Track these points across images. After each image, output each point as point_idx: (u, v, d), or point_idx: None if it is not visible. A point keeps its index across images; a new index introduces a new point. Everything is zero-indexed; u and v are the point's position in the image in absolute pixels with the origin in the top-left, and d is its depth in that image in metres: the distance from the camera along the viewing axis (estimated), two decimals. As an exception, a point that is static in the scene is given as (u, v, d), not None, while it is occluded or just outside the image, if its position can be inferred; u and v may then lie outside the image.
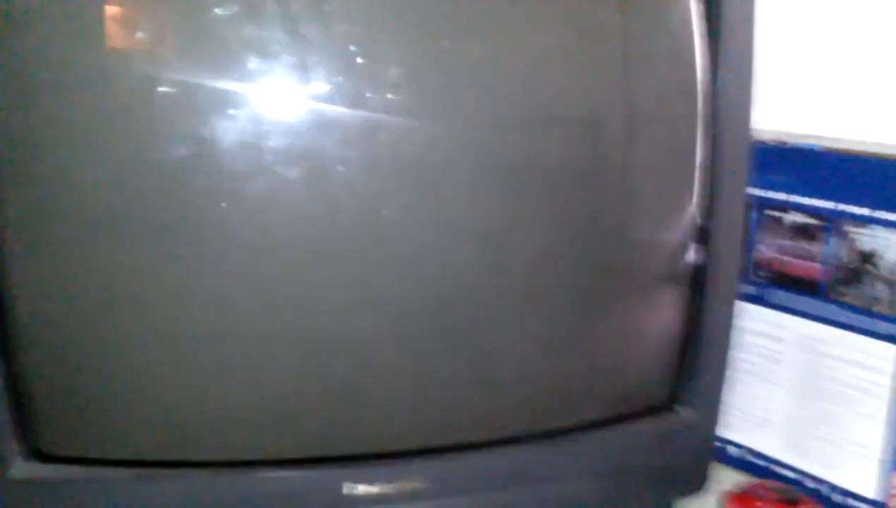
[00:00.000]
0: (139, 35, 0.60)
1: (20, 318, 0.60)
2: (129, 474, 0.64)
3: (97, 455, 0.64)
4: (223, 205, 0.62)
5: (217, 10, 0.59)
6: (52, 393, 0.63)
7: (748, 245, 0.81)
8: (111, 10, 0.59)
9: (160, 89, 0.59)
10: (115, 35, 0.60)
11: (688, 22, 0.69)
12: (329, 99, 0.61)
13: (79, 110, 0.59)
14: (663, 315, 0.74)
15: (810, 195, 0.78)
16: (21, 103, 0.58)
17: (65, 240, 0.61)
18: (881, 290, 0.75)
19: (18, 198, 0.59)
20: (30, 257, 0.61)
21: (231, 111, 0.60)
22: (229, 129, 0.60)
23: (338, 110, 0.62)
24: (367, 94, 0.62)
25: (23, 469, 0.62)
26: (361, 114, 0.62)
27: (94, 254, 0.61)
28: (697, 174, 0.71)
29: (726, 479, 0.83)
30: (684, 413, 0.75)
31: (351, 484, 0.66)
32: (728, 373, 0.75)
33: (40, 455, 0.63)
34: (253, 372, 0.65)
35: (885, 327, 0.75)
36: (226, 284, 0.63)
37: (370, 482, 0.67)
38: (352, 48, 0.62)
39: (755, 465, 0.85)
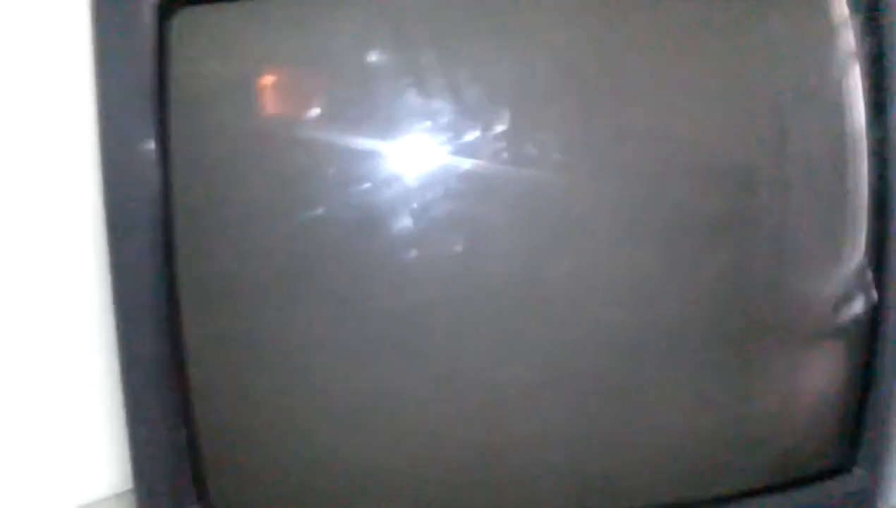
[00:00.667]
0: (304, 105, 0.61)
1: (198, 385, 0.63)
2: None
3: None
4: (386, 269, 0.63)
5: (384, 80, 0.60)
6: (226, 458, 0.65)
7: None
8: (275, 86, 0.62)
9: (327, 158, 0.61)
10: (279, 105, 0.62)
11: (852, 68, 0.67)
12: (490, 163, 0.62)
13: (252, 181, 0.62)
14: (836, 372, 0.71)
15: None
16: (197, 180, 0.61)
17: (233, 305, 0.63)
18: None
19: (195, 267, 0.62)
20: (204, 322, 0.63)
21: (396, 177, 0.61)
22: (394, 195, 0.61)
23: (498, 174, 0.62)
24: (528, 156, 0.62)
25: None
26: (520, 177, 0.63)
27: (263, 318, 0.63)
28: (870, 224, 0.68)
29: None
30: (863, 475, 0.71)
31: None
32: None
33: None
34: (413, 436, 0.66)
35: None
36: (388, 350, 0.64)
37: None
38: (512, 112, 0.62)
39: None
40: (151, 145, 0.59)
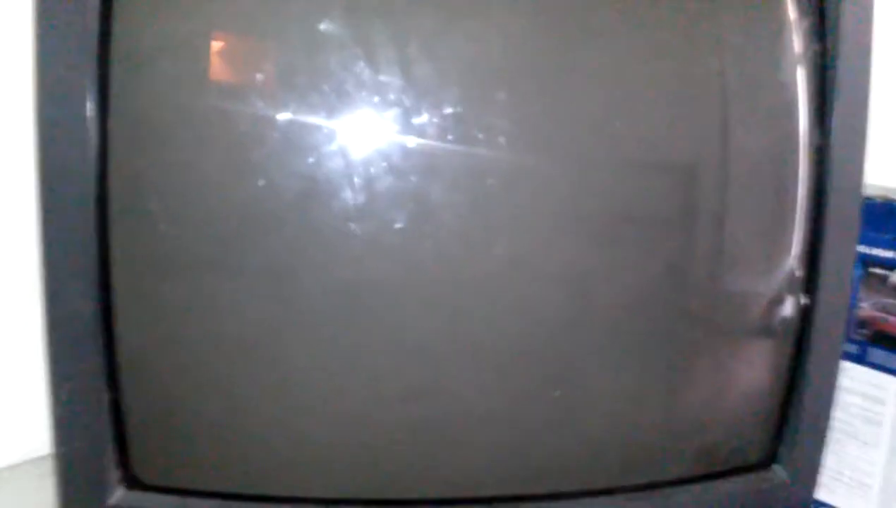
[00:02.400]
0: (251, 73, 0.61)
1: (125, 353, 0.61)
2: (221, 506, 0.64)
3: (190, 486, 0.65)
4: (325, 245, 0.62)
5: (330, 52, 0.60)
6: (152, 425, 0.64)
7: (850, 303, 0.79)
8: (222, 50, 0.60)
9: (267, 132, 0.60)
10: (224, 77, 0.61)
11: (798, 72, 0.68)
12: (436, 142, 0.61)
13: (192, 151, 0.61)
14: (763, 370, 0.72)
15: (896, 249, 0.76)
16: (136, 144, 0.60)
17: (171, 277, 0.62)
18: None
19: (127, 236, 0.60)
20: (136, 293, 0.62)
21: (341, 152, 0.60)
22: (338, 171, 0.60)
23: (443, 153, 0.62)
24: (475, 138, 0.62)
25: (122, 496, 0.63)
26: (465, 158, 0.63)
27: (199, 291, 0.62)
28: (803, 226, 0.70)
29: (819, 542, 0.81)
30: (782, 473, 0.72)
31: (442, 529, 0.66)
32: (822, 432, 0.73)
33: (138, 483, 0.63)
34: (345, 413, 0.65)
35: None
36: (322, 325, 0.64)
37: (461, 527, 0.66)
38: (463, 91, 0.62)
39: (849, 529, 0.82)
40: (90, 104, 0.58)
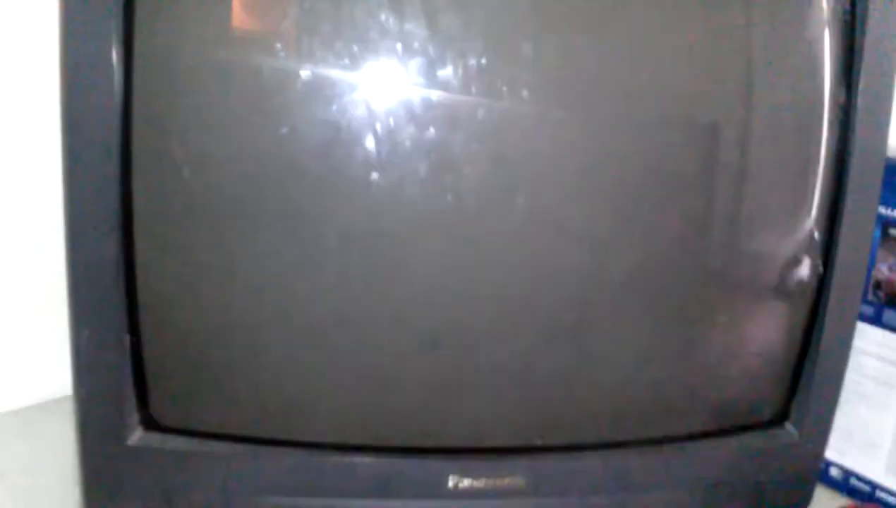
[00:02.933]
0: (273, 24, 0.60)
1: (145, 297, 0.62)
2: (236, 448, 0.66)
3: (207, 428, 0.66)
4: (344, 195, 0.62)
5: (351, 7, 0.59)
6: (171, 369, 0.64)
7: (868, 264, 0.79)
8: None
9: (291, 79, 0.60)
10: (248, 24, 0.60)
11: (825, 33, 0.67)
12: (460, 94, 0.61)
13: (213, 99, 0.60)
14: (778, 330, 0.73)
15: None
16: (156, 92, 0.60)
17: (189, 224, 0.62)
18: None
19: (149, 183, 0.61)
20: (156, 239, 0.62)
21: (364, 101, 0.60)
22: (361, 119, 0.60)
23: (467, 105, 0.62)
24: (499, 91, 0.62)
25: (141, 437, 0.64)
26: (489, 110, 0.62)
27: (217, 238, 0.63)
28: (823, 187, 0.69)
29: (827, 501, 0.81)
30: (793, 431, 0.73)
31: (457, 477, 0.66)
32: (834, 392, 0.74)
33: (156, 425, 0.64)
34: (364, 360, 0.66)
35: None
36: (341, 272, 0.64)
37: (475, 476, 0.67)
38: (485, 44, 0.61)
39: (858, 489, 0.83)
40: (115, 51, 0.57)
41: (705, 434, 0.72)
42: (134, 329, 0.62)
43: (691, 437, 0.72)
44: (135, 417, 0.63)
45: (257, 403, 0.66)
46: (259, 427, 0.66)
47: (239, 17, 0.60)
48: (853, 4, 0.66)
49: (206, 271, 0.63)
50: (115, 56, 0.57)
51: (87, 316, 0.61)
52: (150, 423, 0.64)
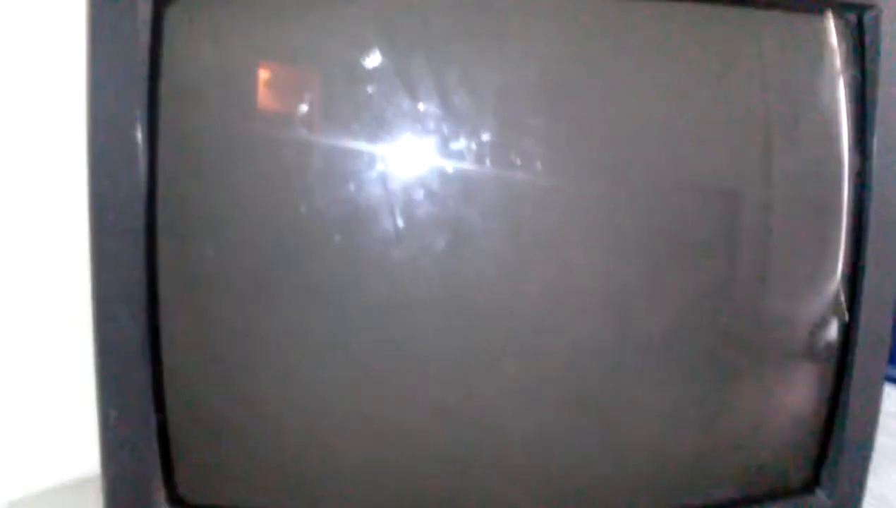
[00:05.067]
0: (296, 102, 0.62)
1: (171, 369, 0.63)
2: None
3: (233, 504, 0.66)
4: (364, 270, 0.63)
5: (374, 80, 0.61)
6: (196, 445, 0.65)
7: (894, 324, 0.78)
8: (270, 79, 0.62)
9: (312, 155, 0.61)
10: (271, 102, 0.62)
11: (838, 94, 0.68)
12: (476, 168, 0.62)
13: (237, 178, 0.62)
14: (805, 393, 0.72)
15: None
16: (179, 174, 0.61)
17: (214, 295, 0.63)
18: None
19: (177, 257, 0.62)
20: (183, 316, 0.63)
21: (382, 177, 0.62)
22: (378, 197, 0.61)
23: (484, 179, 0.63)
24: (514, 164, 0.63)
25: (167, 514, 0.64)
26: (506, 184, 0.63)
27: (239, 315, 0.63)
28: (845, 248, 0.69)
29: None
30: (824, 498, 0.72)
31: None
32: (864, 456, 0.73)
33: (182, 502, 0.64)
34: (382, 432, 0.66)
35: None
36: (361, 346, 0.64)
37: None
38: (501, 119, 0.62)
39: (895, 555, 0.81)
40: (140, 133, 0.59)
41: (736, 503, 0.71)
42: (160, 407, 0.62)
43: (722, 506, 0.71)
44: (161, 494, 0.63)
45: (280, 477, 0.66)
46: (284, 501, 0.66)
47: (260, 96, 0.62)
48: (863, 71, 0.67)
49: (229, 348, 0.64)
50: (140, 138, 0.59)
51: (115, 395, 0.62)
52: (177, 501, 0.64)
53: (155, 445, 0.63)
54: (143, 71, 0.59)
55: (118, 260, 0.60)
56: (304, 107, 0.62)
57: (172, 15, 0.59)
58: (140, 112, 0.59)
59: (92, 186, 0.59)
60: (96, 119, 0.59)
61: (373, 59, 0.61)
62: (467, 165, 0.62)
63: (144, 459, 0.62)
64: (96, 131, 0.59)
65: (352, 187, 0.61)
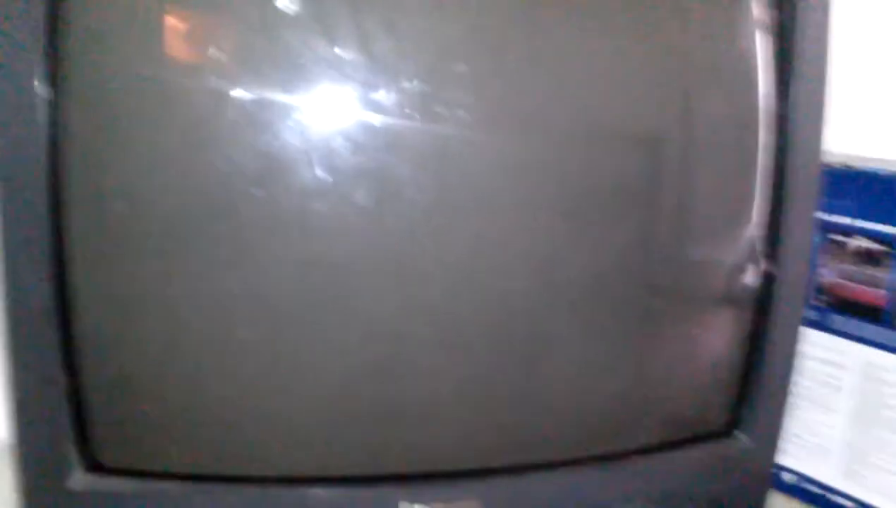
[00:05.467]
0: (209, 49, 0.59)
1: (83, 332, 0.61)
2: (183, 487, 0.64)
3: (153, 468, 0.64)
4: (285, 220, 0.62)
5: (291, 25, 0.59)
6: (112, 407, 0.63)
7: (810, 269, 0.80)
8: (181, 24, 0.59)
9: (227, 104, 0.59)
10: (183, 49, 0.60)
11: (757, 42, 0.68)
12: (396, 118, 0.61)
13: (148, 124, 0.59)
14: (724, 338, 0.73)
15: (877, 220, 0.76)
16: (92, 118, 0.59)
17: (126, 254, 0.61)
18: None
19: (85, 211, 0.59)
20: (93, 271, 0.61)
21: (300, 130, 0.60)
22: (297, 149, 0.60)
23: (404, 129, 0.61)
24: (436, 114, 0.62)
25: (82, 480, 0.62)
26: (427, 134, 0.62)
27: (155, 268, 0.61)
28: (763, 195, 0.70)
29: (780, 506, 0.82)
30: (744, 439, 0.73)
31: (408, 504, 0.66)
32: (785, 399, 0.74)
33: (99, 467, 0.63)
34: (309, 389, 0.65)
35: (950, 356, 0.74)
36: (284, 300, 0.63)
37: (427, 501, 0.66)
38: (423, 65, 0.61)
39: (811, 493, 0.83)
40: (43, 83, 0.57)
41: (658, 447, 0.72)
42: (72, 370, 0.60)
43: (645, 451, 0.72)
44: (75, 458, 0.62)
45: (201, 440, 0.65)
46: (207, 464, 0.65)
47: (170, 42, 0.59)
48: (783, 11, 0.67)
49: (142, 309, 0.62)
50: (39, 91, 0.56)
51: (24, 359, 0.60)
52: (93, 465, 0.62)
53: (67, 409, 0.61)
54: (44, 16, 0.56)
55: (24, 222, 0.58)
56: (218, 53, 0.59)
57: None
58: (43, 59, 0.56)
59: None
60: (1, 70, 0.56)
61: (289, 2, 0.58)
62: (387, 116, 0.61)
63: (57, 423, 0.61)
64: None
65: (268, 139, 0.59)
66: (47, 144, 0.57)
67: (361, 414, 0.66)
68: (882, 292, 0.77)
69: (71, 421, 0.61)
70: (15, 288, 0.59)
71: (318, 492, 0.65)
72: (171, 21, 0.59)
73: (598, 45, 0.66)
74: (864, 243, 0.77)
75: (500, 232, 0.66)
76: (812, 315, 0.81)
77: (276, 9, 0.58)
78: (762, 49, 0.68)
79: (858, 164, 0.78)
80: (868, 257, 0.77)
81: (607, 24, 0.66)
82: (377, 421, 0.66)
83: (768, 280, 0.71)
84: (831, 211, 0.79)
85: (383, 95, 0.60)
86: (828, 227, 0.79)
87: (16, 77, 0.56)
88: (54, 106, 0.57)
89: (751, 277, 0.71)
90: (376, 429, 0.66)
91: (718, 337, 0.73)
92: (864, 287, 0.78)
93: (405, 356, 0.65)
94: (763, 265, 0.71)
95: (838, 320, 0.80)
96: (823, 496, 0.82)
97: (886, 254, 0.76)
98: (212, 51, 0.59)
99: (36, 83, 0.56)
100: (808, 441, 0.83)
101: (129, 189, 0.60)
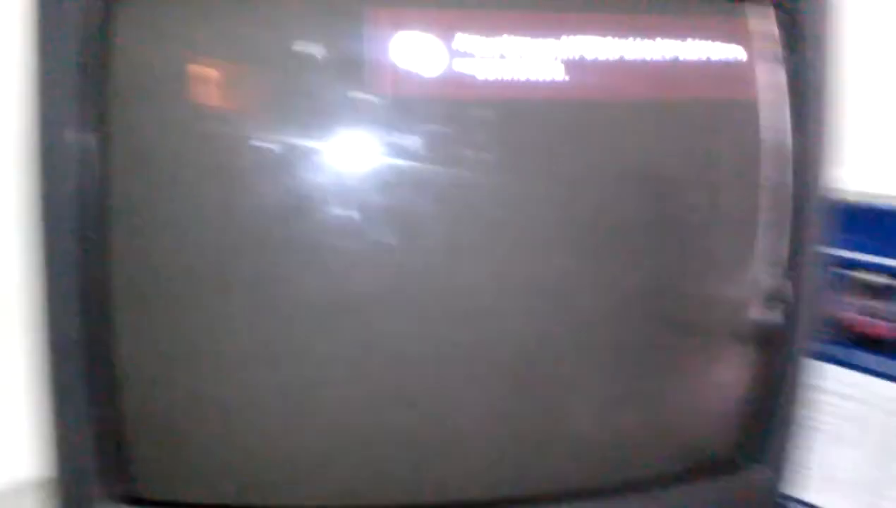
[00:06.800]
0: (240, 101, 0.63)
1: (122, 365, 0.63)
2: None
3: (187, 499, 0.66)
4: (316, 262, 0.64)
5: (322, 77, 0.62)
6: (148, 441, 0.65)
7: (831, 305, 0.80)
8: (213, 78, 0.62)
9: (261, 153, 0.62)
10: (214, 101, 0.63)
11: (769, 80, 0.70)
12: (416, 161, 0.64)
13: (189, 175, 0.62)
14: (736, 372, 0.73)
15: (878, 253, 0.77)
16: (134, 169, 0.62)
17: (167, 294, 0.64)
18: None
19: (127, 255, 0.62)
20: (133, 312, 0.63)
21: (332, 176, 0.63)
22: (329, 192, 0.63)
23: (424, 171, 0.64)
24: (455, 156, 0.64)
25: (115, 511, 0.64)
26: (445, 175, 0.65)
27: (194, 308, 0.64)
28: (777, 231, 0.71)
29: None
30: (755, 471, 0.74)
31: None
32: (800, 432, 0.75)
33: (135, 499, 0.65)
34: (340, 423, 0.67)
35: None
36: (317, 338, 0.65)
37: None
38: (447, 109, 0.64)
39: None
40: (90, 135, 0.60)
41: (673, 480, 0.73)
42: (110, 402, 0.63)
43: (659, 483, 0.72)
44: (112, 491, 0.64)
45: (238, 472, 0.67)
46: (240, 495, 0.67)
47: (211, 95, 0.62)
48: (792, 51, 0.69)
49: (181, 342, 0.64)
50: (90, 140, 0.60)
51: (63, 390, 0.62)
52: (129, 497, 0.64)
53: (105, 441, 0.63)
54: (91, 70, 0.59)
55: (67, 262, 0.61)
56: (254, 105, 0.63)
57: (123, 14, 0.60)
58: (90, 112, 0.60)
59: (41, 188, 0.60)
60: (44, 121, 0.59)
61: (320, 55, 0.62)
62: (409, 160, 0.63)
63: (93, 455, 0.63)
64: (45, 133, 0.59)
65: (301, 182, 0.62)
66: (95, 188, 0.60)
67: (387, 446, 0.67)
68: (884, 324, 0.77)
69: (108, 453, 0.63)
70: (53, 319, 0.61)
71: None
72: (209, 74, 0.62)
73: (613, 84, 0.67)
74: (868, 277, 0.78)
75: (520, 270, 0.67)
76: (833, 350, 0.81)
77: (307, 59, 0.61)
78: (783, 86, 0.70)
79: (879, 201, 0.79)
80: (872, 290, 0.78)
81: (621, 62, 0.67)
82: (401, 452, 0.68)
83: (788, 313, 0.72)
84: (854, 248, 0.79)
85: (404, 139, 0.63)
86: (851, 265, 0.80)
87: (58, 125, 0.59)
88: (102, 154, 0.60)
89: (771, 311, 0.72)
90: (400, 461, 0.68)
91: (738, 370, 0.74)
92: (885, 322, 0.78)
93: (426, 388, 0.67)
94: (784, 299, 0.72)
95: (859, 356, 0.80)
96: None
97: (889, 287, 0.76)
98: (248, 101, 0.63)
99: (86, 133, 0.60)
100: (819, 474, 0.83)
101: (170, 234, 0.63)
